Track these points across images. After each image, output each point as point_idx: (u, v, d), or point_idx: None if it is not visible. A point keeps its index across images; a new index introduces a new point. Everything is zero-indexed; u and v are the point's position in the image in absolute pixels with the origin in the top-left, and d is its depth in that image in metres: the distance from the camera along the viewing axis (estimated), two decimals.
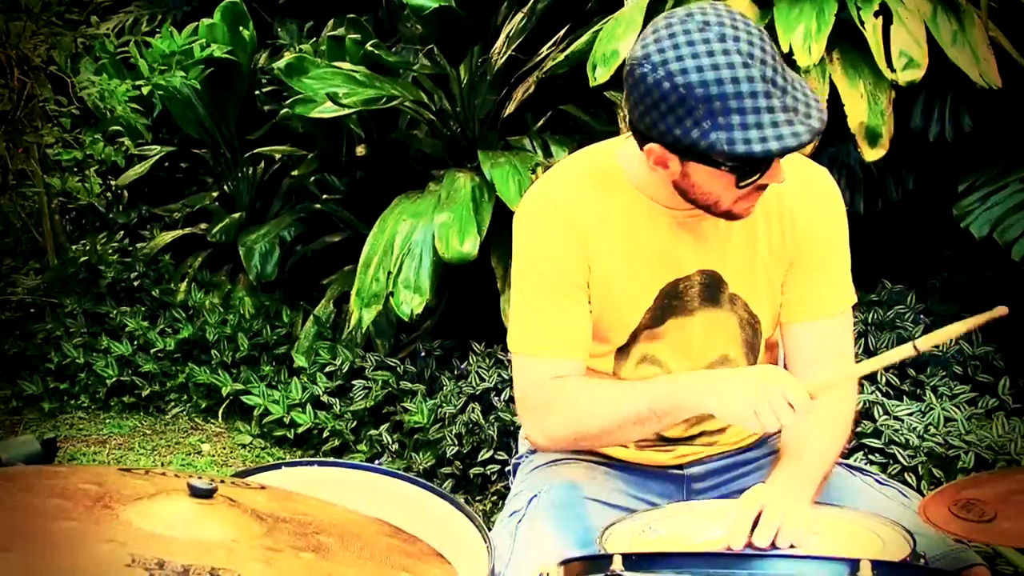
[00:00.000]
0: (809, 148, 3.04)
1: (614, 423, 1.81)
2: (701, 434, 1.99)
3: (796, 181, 1.91)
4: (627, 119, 1.75)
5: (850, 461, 2.25)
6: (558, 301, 1.87)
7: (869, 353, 3.57)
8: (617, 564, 1.39)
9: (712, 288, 1.90)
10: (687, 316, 1.90)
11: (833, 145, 3.86)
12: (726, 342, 1.93)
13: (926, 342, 1.65)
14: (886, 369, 3.49)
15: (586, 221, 1.86)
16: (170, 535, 1.17)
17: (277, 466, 1.89)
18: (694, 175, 1.71)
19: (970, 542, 1.83)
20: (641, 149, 1.74)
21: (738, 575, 1.36)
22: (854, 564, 1.32)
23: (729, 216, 1.79)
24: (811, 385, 1.71)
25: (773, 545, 1.60)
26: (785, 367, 1.99)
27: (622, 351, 1.93)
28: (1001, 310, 1.57)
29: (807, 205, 1.91)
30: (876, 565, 1.31)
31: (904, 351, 1.67)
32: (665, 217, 1.86)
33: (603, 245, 1.86)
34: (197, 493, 1.23)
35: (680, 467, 2.02)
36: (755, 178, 1.68)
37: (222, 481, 1.34)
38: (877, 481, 1.98)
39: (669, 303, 1.89)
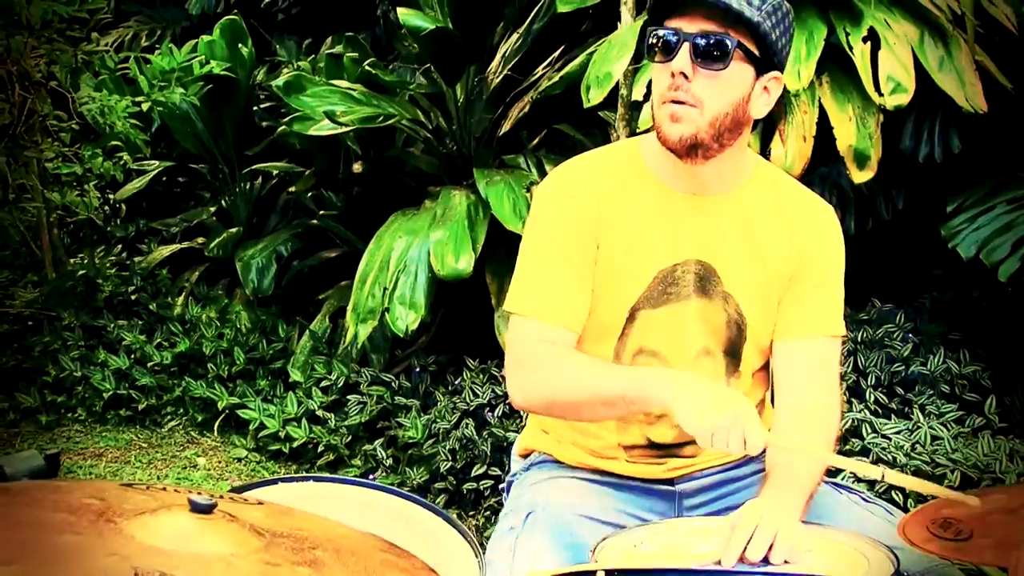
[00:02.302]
0: (798, 168, 3.11)
1: (586, 398, 1.89)
2: (690, 443, 2.03)
3: (807, 210, 2.03)
4: None
5: (837, 479, 2.29)
6: (562, 270, 1.95)
7: (859, 372, 3.62)
8: None
9: (704, 279, 1.97)
10: (683, 303, 1.97)
11: (824, 165, 3.91)
12: (710, 336, 2.00)
13: (894, 478, 1.73)
14: (876, 387, 3.54)
15: (602, 199, 1.96)
16: (172, 549, 1.21)
17: (274, 481, 1.93)
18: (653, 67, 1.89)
19: (955, 562, 1.87)
20: None
21: None
22: None
23: (660, 135, 1.87)
24: (772, 436, 1.78)
25: (766, 560, 1.64)
26: (771, 388, 2.05)
27: (621, 339, 1.99)
28: (974, 501, 1.62)
29: (815, 231, 2.01)
30: None
31: (873, 471, 1.76)
32: (674, 201, 1.95)
33: (614, 221, 1.95)
34: (198, 508, 1.27)
35: (671, 482, 2.07)
36: (656, 50, 1.84)
37: (221, 496, 1.38)
38: (863, 499, 2.02)
39: (666, 288, 1.96)
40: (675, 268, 1.96)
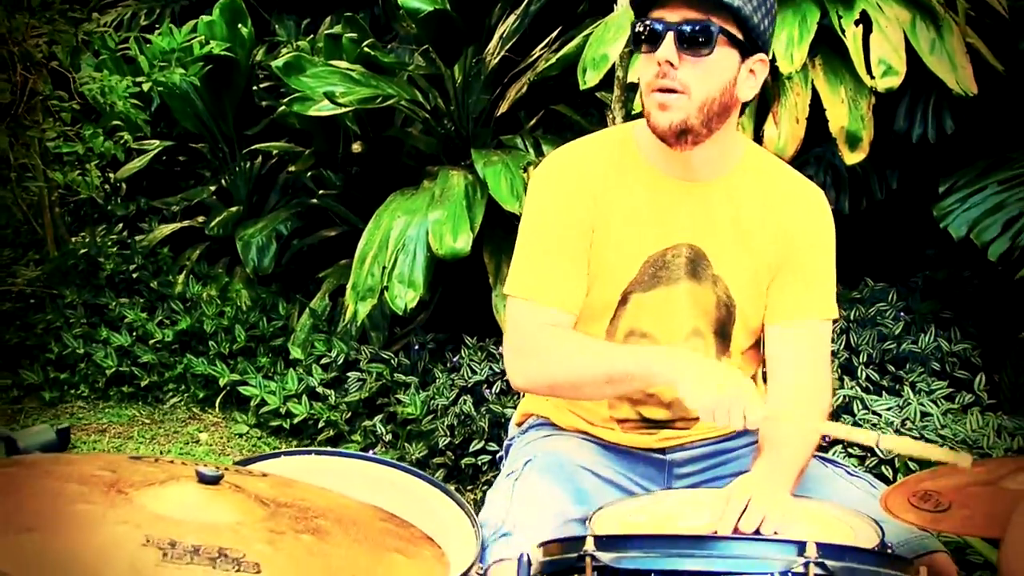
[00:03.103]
0: (791, 149, 3.15)
1: (588, 378, 1.95)
2: (681, 419, 2.09)
3: (796, 193, 2.07)
4: None
5: (828, 455, 2.35)
6: (559, 254, 2.00)
7: (850, 350, 3.67)
8: (590, 545, 1.50)
9: (695, 263, 2.02)
10: (672, 286, 2.02)
11: (819, 145, 3.95)
12: (700, 317, 2.05)
13: (888, 442, 1.77)
14: (868, 364, 3.60)
15: (596, 184, 2.01)
16: (180, 518, 1.26)
17: (277, 455, 1.98)
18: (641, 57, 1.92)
19: (936, 533, 1.93)
20: None
21: (699, 555, 1.48)
22: (802, 545, 1.44)
23: (650, 123, 1.92)
24: (771, 410, 1.84)
25: (758, 531, 1.70)
26: (764, 372, 2.11)
27: (612, 321, 2.04)
28: (966, 459, 1.67)
29: (804, 214, 2.06)
30: (821, 546, 1.43)
31: (868, 437, 1.78)
32: (666, 186, 2.00)
33: (608, 206, 2.00)
34: (205, 479, 1.33)
35: (663, 451, 2.13)
36: (641, 40, 1.89)
37: (227, 468, 1.44)
38: (848, 472, 2.08)
39: (656, 272, 2.01)
40: (666, 252, 2.01)
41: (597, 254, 2.01)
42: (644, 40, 1.90)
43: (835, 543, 1.51)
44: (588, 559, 1.51)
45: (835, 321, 3.36)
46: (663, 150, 1.96)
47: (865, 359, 3.61)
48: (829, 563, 1.45)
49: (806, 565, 1.44)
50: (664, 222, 2.01)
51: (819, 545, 1.45)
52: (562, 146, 2.12)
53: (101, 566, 1.17)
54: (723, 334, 2.07)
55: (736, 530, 1.70)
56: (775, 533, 1.69)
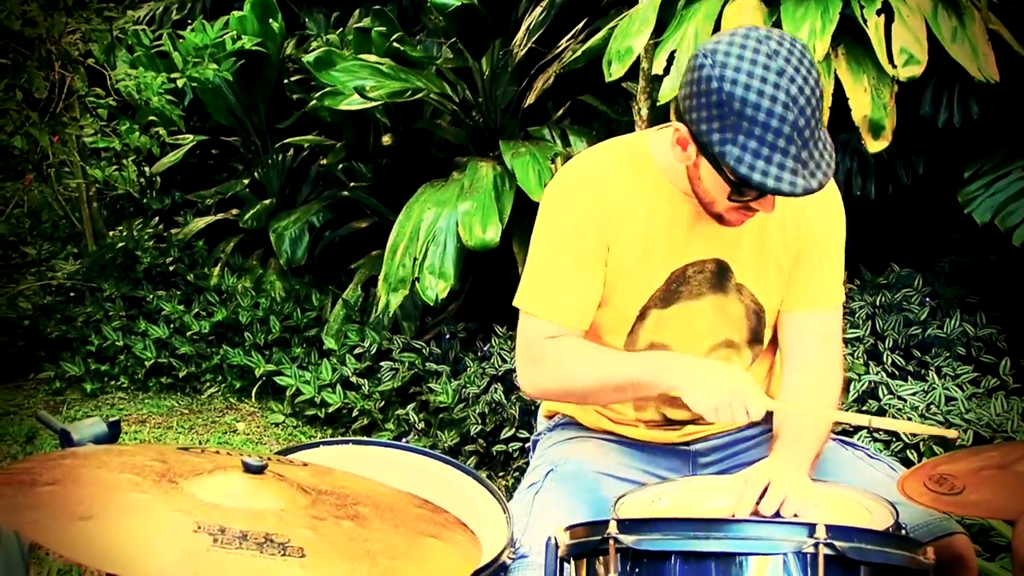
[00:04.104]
0: None
1: (596, 385, 2.00)
2: (701, 418, 2.15)
3: None
4: (677, 98, 1.92)
5: (852, 439, 2.40)
6: (570, 270, 2.03)
7: (877, 335, 3.70)
8: (612, 528, 1.58)
9: (720, 276, 2.05)
10: (694, 300, 2.06)
11: (846, 131, 3.97)
12: (730, 328, 2.09)
13: (879, 423, 1.87)
14: (893, 349, 3.63)
15: (612, 199, 2.02)
16: (228, 505, 1.34)
17: (316, 444, 2.07)
18: (702, 169, 1.88)
19: (956, 516, 1.98)
20: (674, 125, 1.90)
21: (715, 536, 1.55)
22: (811, 527, 1.51)
23: (720, 219, 1.95)
24: (772, 403, 1.92)
25: (777, 514, 1.76)
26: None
27: (631, 335, 2.09)
28: (952, 433, 1.79)
29: (819, 208, 2.09)
30: (830, 528, 1.50)
31: (860, 420, 1.93)
32: (686, 204, 2.01)
33: (625, 223, 2.02)
34: (250, 469, 1.40)
35: (687, 443, 2.19)
36: (746, 199, 1.86)
37: (270, 458, 1.51)
38: (868, 455, 2.13)
39: (677, 287, 2.04)
40: (687, 268, 2.03)
41: (615, 271, 2.03)
42: (730, 184, 1.83)
43: (844, 525, 1.57)
44: (611, 542, 1.59)
45: (860, 307, 3.39)
46: (680, 167, 1.95)
47: (891, 344, 3.64)
48: (838, 544, 1.51)
49: (816, 546, 1.51)
50: (685, 239, 2.02)
51: (828, 527, 1.51)
52: (575, 158, 2.14)
53: (156, 551, 1.25)
54: (758, 339, 2.11)
55: (756, 513, 1.76)
56: (795, 515, 1.75)
